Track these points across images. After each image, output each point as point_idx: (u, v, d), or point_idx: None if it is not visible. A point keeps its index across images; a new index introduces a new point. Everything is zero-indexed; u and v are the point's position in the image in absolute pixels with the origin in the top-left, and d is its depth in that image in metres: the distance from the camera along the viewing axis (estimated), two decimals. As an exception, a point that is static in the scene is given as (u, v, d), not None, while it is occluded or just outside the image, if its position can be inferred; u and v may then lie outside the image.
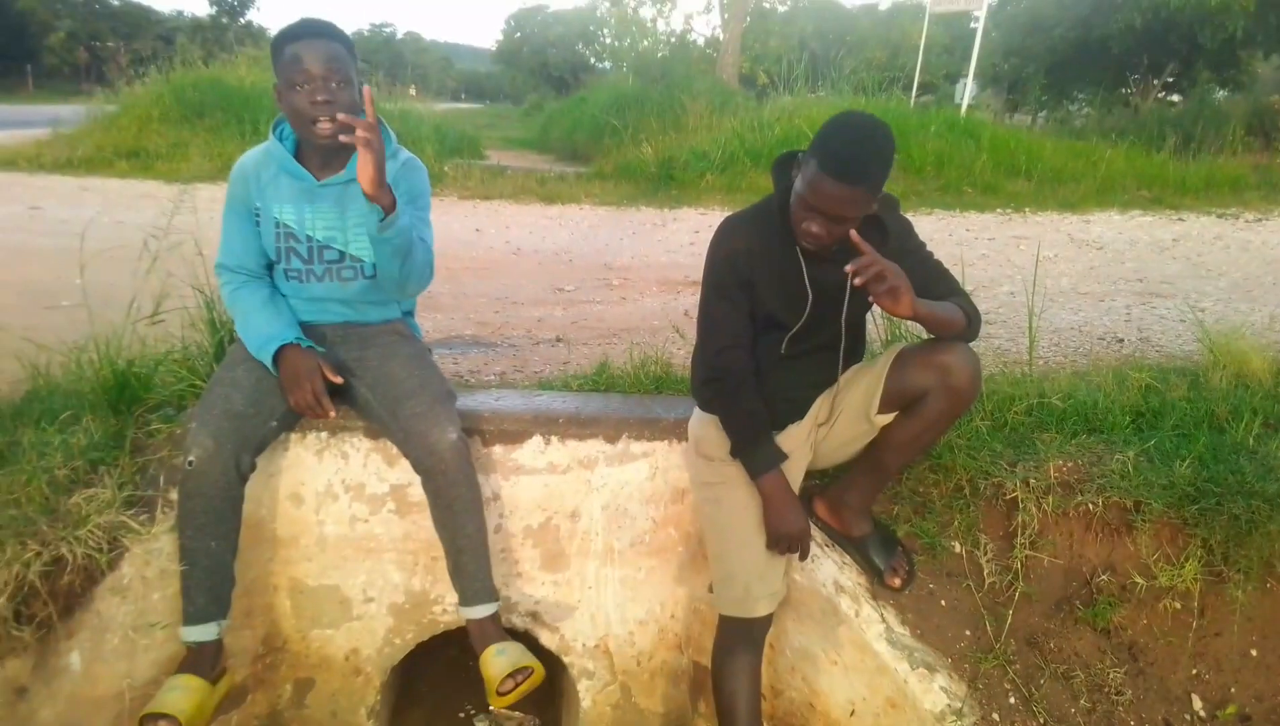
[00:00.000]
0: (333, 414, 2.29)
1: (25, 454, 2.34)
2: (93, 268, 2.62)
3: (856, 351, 2.30)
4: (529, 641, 2.77)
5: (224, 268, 2.36)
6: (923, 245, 2.20)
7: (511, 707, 3.10)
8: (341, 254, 2.34)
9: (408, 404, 2.28)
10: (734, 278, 2.08)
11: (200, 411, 2.20)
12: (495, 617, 2.39)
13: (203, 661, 2.21)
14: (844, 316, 2.17)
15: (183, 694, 2.11)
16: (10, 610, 2.14)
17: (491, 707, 2.31)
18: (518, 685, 2.26)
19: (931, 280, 2.13)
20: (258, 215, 2.32)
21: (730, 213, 2.21)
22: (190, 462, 2.13)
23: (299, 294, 2.39)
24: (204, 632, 2.22)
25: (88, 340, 2.61)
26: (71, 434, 2.41)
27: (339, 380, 2.28)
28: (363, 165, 1.99)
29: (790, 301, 2.09)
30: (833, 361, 2.26)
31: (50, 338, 2.77)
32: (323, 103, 2.13)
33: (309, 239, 2.32)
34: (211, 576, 2.22)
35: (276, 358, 2.24)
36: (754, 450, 2.14)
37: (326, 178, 2.29)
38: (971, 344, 2.13)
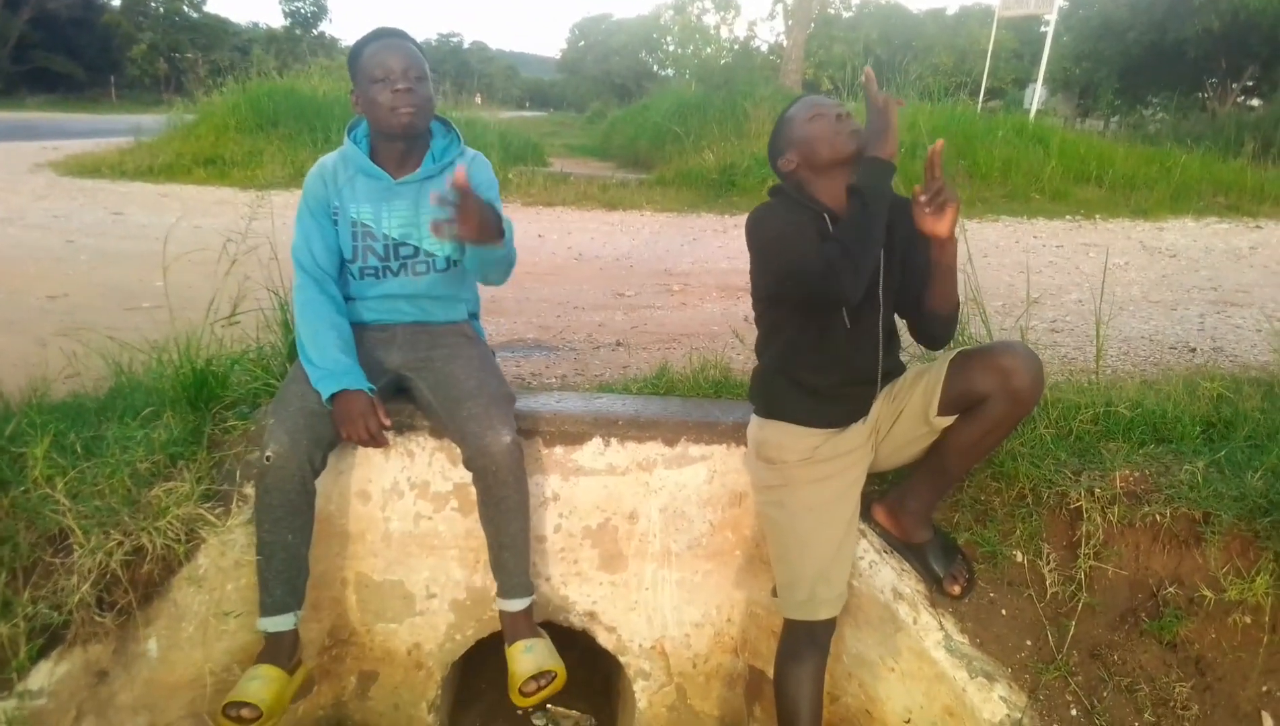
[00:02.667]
0: (387, 443, 2.39)
1: (109, 447, 2.44)
2: (173, 271, 2.74)
3: (894, 332, 2.33)
4: (586, 640, 2.81)
5: (299, 264, 2.44)
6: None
7: (568, 706, 3.16)
8: (416, 250, 2.45)
9: (465, 405, 2.33)
10: (792, 224, 2.11)
11: (277, 408, 2.29)
12: (529, 611, 2.44)
13: (280, 651, 2.29)
14: (880, 288, 2.18)
15: (263, 683, 2.19)
16: (93, 596, 2.24)
17: (517, 704, 2.35)
18: (540, 688, 2.31)
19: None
20: (335, 215, 2.42)
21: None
22: (268, 458, 2.21)
23: (371, 291, 2.48)
24: (281, 623, 2.29)
25: (168, 340, 2.72)
26: (152, 429, 2.50)
27: (389, 423, 2.33)
28: (465, 232, 2.12)
29: None
30: (882, 349, 2.26)
31: (133, 337, 2.89)
32: (403, 91, 2.29)
33: (385, 237, 2.42)
34: (288, 568, 2.29)
35: (332, 395, 2.30)
36: (875, 173, 2.03)
37: (402, 176, 2.42)
38: (1036, 351, 2.12)
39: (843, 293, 2.00)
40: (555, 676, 2.33)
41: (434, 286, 2.50)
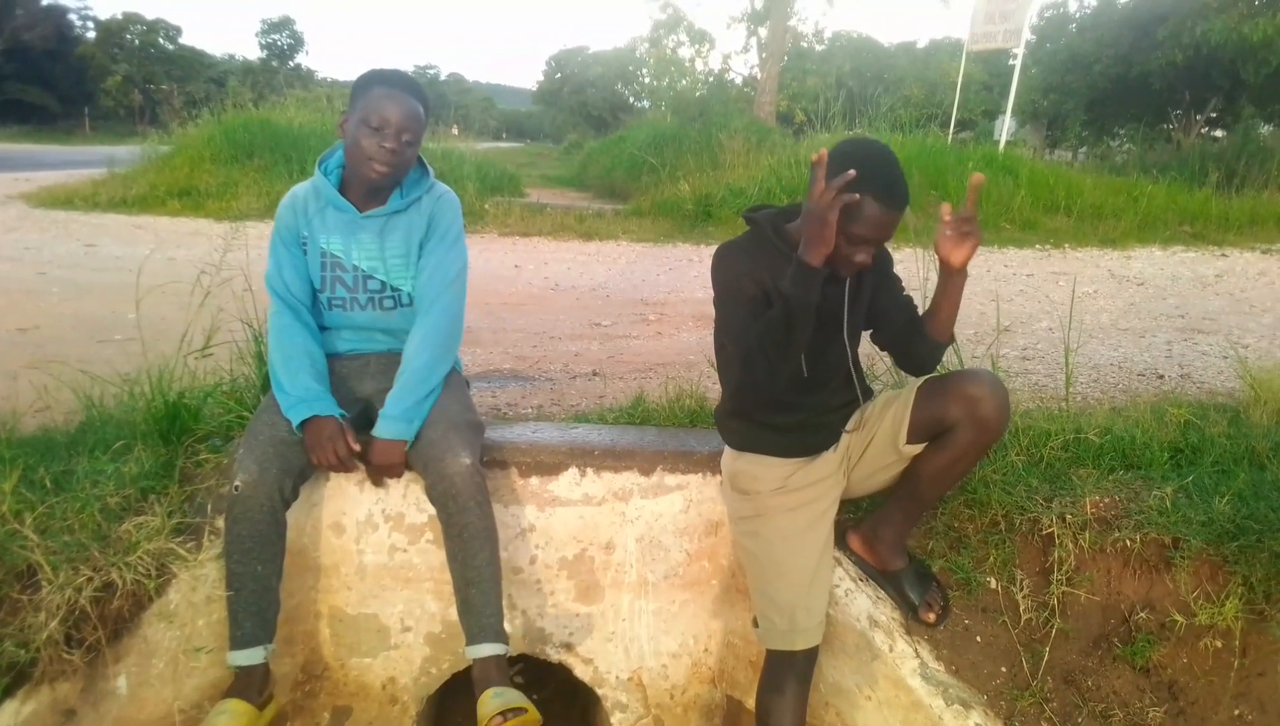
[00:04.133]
0: (355, 468, 2.38)
1: (79, 482, 2.41)
2: (146, 302, 2.73)
3: (857, 366, 2.31)
4: (563, 673, 2.79)
5: (273, 292, 2.43)
6: (899, 278, 2.31)
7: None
8: (383, 283, 2.45)
9: (426, 432, 2.33)
10: (747, 277, 2.04)
11: (247, 438, 2.28)
12: (501, 660, 2.31)
13: (250, 686, 2.25)
14: (844, 331, 2.18)
15: (230, 718, 2.15)
16: (61, 633, 2.20)
17: None
18: (506, 721, 2.15)
19: (904, 311, 2.27)
20: (304, 244, 2.43)
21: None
22: (237, 487, 2.19)
23: (345, 323, 2.49)
24: (251, 656, 2.25)
25: (140, 372, 2.70)
26: (123, 463, 2.48)
27: (357, 448, 2.31)
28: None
29: None
30: (849, 381, 2.28)
31: (104, 369, 2.87)
32: (389, 151, 2.29)
33: (355, 268, 2.43)
34: (258, 600, 2.26)
35: (303, 422, 2.29)
36: (802, 282, 1.90)
37: (369, 210, 2.42)
38: (1007, 379, 2.14)
39: (757, 385, 2.05)
40: (525, 712, 2.18)
41: (404, 320, 2.49)
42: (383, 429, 2.33)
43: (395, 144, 2.28)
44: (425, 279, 2.45)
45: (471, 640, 2.32)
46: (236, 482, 2.19)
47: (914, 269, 2.38)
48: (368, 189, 2.40)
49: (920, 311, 2.28)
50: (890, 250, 2.29)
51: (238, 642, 2.26)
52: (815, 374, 2.17)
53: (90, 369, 2.85)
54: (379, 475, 2.42)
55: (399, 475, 2.40)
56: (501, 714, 2.16)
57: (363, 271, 2.43)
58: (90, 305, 4.81)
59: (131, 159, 11.07)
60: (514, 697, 2.22)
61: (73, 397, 2.81)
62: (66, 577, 2.21)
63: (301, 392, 2.30)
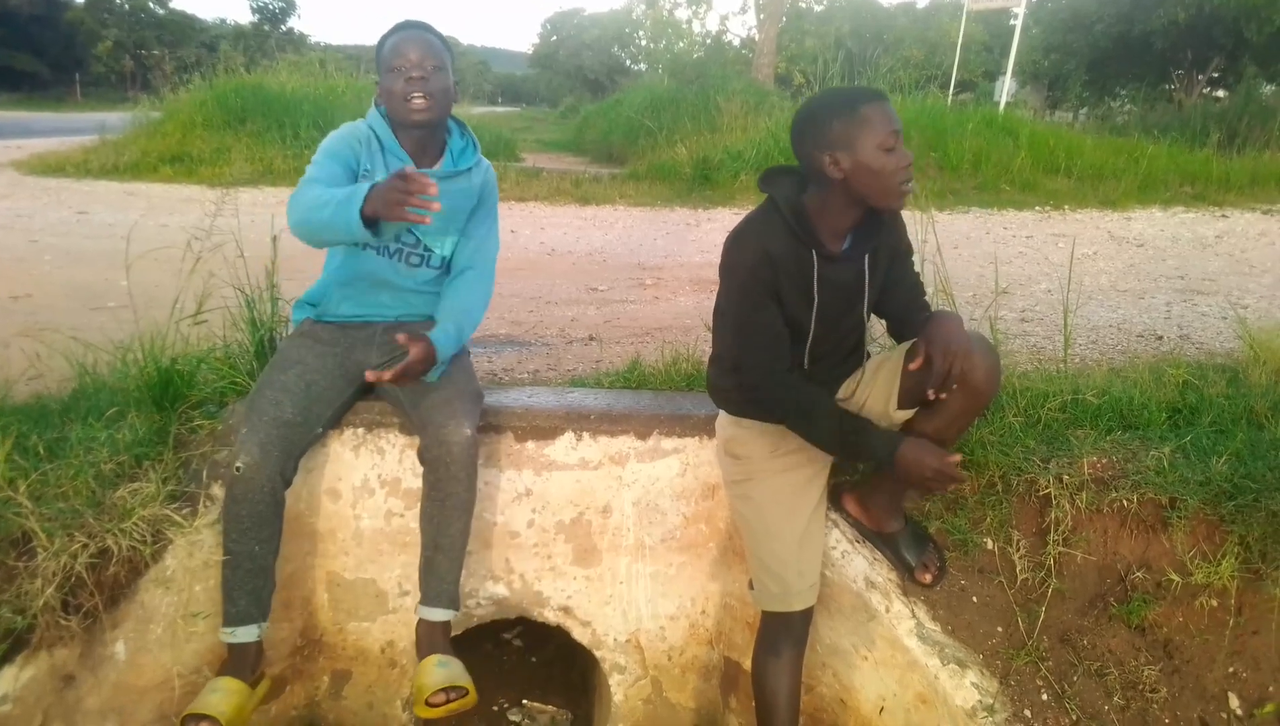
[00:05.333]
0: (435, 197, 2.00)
1: (73, 449, 2.40)
2: (138, 269, 2.70)
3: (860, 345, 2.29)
4: (561, 636, 2.80)
5: (308, 180, 2.26)
6: (912, 251, 2.27)
7: (544, 701, 3.15)
8: (417, 240, 2.44)
9: (430, 396, 2.32)
10: (763, 285, 2.01)
11: (250, 416, 2.24)
12: (447, 627, 2.38)
13: (243, 663, 2.25)
14: (864, 304, 2.16)
15: (223, 696, 2.15)
16: (58, 600, 2.20)
17: (419, 715, 2.23)
18: (449, 700, 2.19)
19: (910, 291, 2.25)
20: (363, 179, 2.31)
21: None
22: (239, 468, 2.17)
23: (364, 272, 2.43)
24: (245, 634, 2.26)
25: (133, 339, 2.68)
26: (117, 430, 2.47)
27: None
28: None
29: (805, 304, 2.06)
30: (855, 350, 2.26)
31: (97, 337, 2.85)
32: (417, 79, 2.26)
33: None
34: (254, 579, 2.26)
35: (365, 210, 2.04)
36: (866, 445, 2.04)
37: (423, 166, 2.39)
38: (1005, 341, 2.12)
39: (750, 405, 2.16)
40: (466, 693, 2.22)
41: (421, 281, 2.48)
42: (436, 335, 2.29)
43: (422, 72, 2.26)
44: (474, 248, 2.51)
45: (426, 601, 2.36)
46: (238, 464, 2.17)
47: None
48: (417, 141, 2.39)
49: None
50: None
51: (232, 619, 2.25)
52: (826, 347, 2.16)
53: (83, 336, 2.83)
54: (406, 371, 2.20)
55: (415, 375, 2.25)
56: (444, 690, 2.20)
57: (404, 225, 2.36)
58: (83, 272, 4.77)
59: (123, 125, 10.93)
60: (457, 673, 2.25)
61: (66, 365, 2.79)
62: (62, 544, 2.20)
63: (343, 195, 2.08)
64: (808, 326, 2.09)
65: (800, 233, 2.00)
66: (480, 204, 2.52)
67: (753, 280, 2.01)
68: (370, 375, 2.20)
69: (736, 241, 2.06)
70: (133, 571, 2.34)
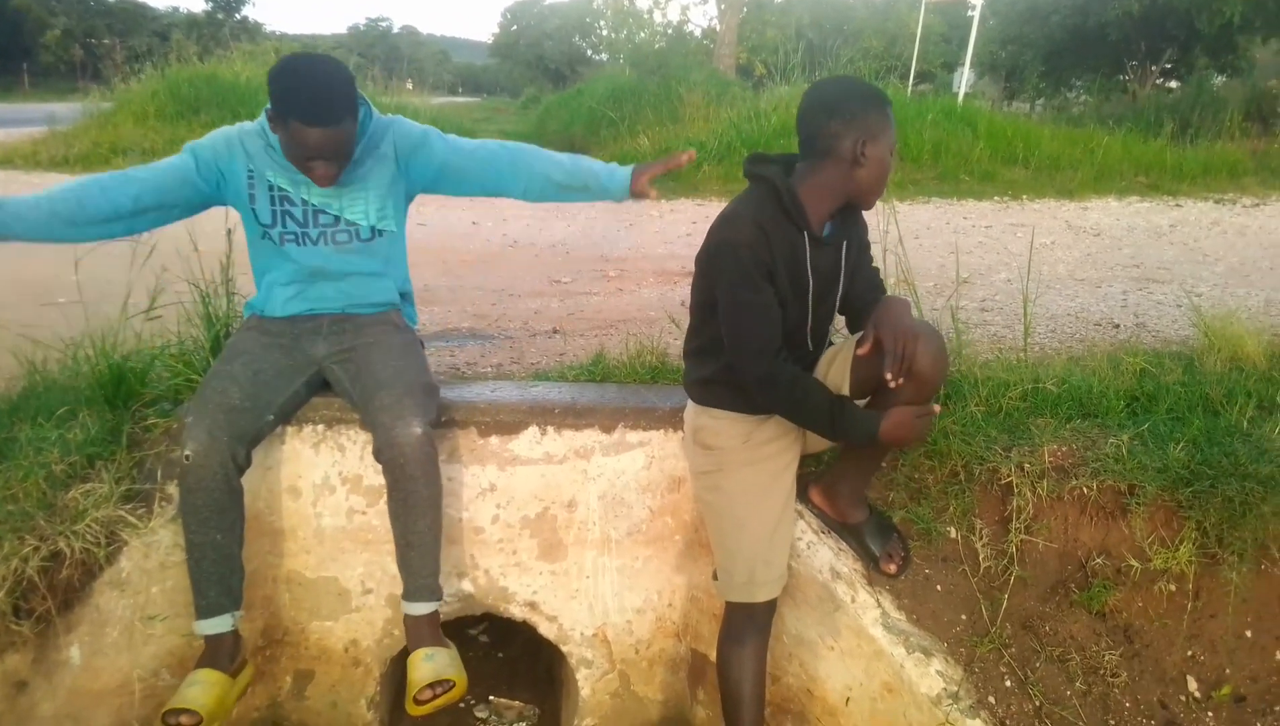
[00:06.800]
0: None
1: (22, 449, 2.35)
2: (88, 264, 2.63)
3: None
4: (528, 631, 2.79)
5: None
6: (870, 246, 2.32)
7: (511, 697, 3.14)
8: (336, 218, 2.37)
9: (379, 395, 2.28)
10: (760, 265, 2.00)
11: (196, 405, 2.21)
12: (434, 618, 2.36)
13: (221, 654, 2.21)
14: (836, 298, 2.19)
15: (202, 688, 2.11)
16: (9, 605, 2.16)
17: (411, 713, 2.26)
18: (436, 696, 2.22)
19: (868, 283, 2.29)
20: (251, 177, 2.32)
21: (724, 207, 2.17)
22: (187, 457, 2.13)
23: (294, 259, 2.39)
24: (218, 625, 2.22)
25: (84, 336, 2.62)
26: (68, 429, 2.41)
27: None
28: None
29: (797, 288, 2.07)
30: (822, 341, 2.27)
31: (47, 333, 2.78)
32: (320, 175, 2.22)
33: (304, 202, 2.34)
34: (219, 568, 2.22)
35: None
36: (852, 425, 2.05)
37: None
38: (966, 330, 2.13)
39: (738, 390, 2.15)
40: (453, 686, 2.25)
41: (359, 259, 2.43)
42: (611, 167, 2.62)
43: (324, 168, 2.20)
44: (481, 166, 2.58)
45: (407, 596, 2.35)
46: (187, 452, 2.13)
47: (873, 222, 2.36)
48: None
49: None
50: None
51: (203, 611, 2.21)
52: (799, 339, 2.17)
53: (32, 333, 2.76)
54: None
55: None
56: (431, 685, 2.21)
57: (313, 206, 2.35)
58: (32, 266, 4.64)
59: (73, 116, 10.69)
60: (444, 665, 2.26)
61: (14, 362, 2.72)
62: (12, 548, 2.16)
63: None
64: (804, 311, 2.11)
65: (794, 213, 2.01)
66: (420, 144, 2.45)
67: (751, 257, 1.99)
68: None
69: (729, 221, 2.06)
70: (86, 574, 2.29)
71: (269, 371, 2.33)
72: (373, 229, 2.42)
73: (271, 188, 2.33)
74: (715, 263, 2.06)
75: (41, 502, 2.26)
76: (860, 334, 2.11)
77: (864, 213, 2.21)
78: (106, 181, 2.29)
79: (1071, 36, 19.67)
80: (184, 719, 2.05)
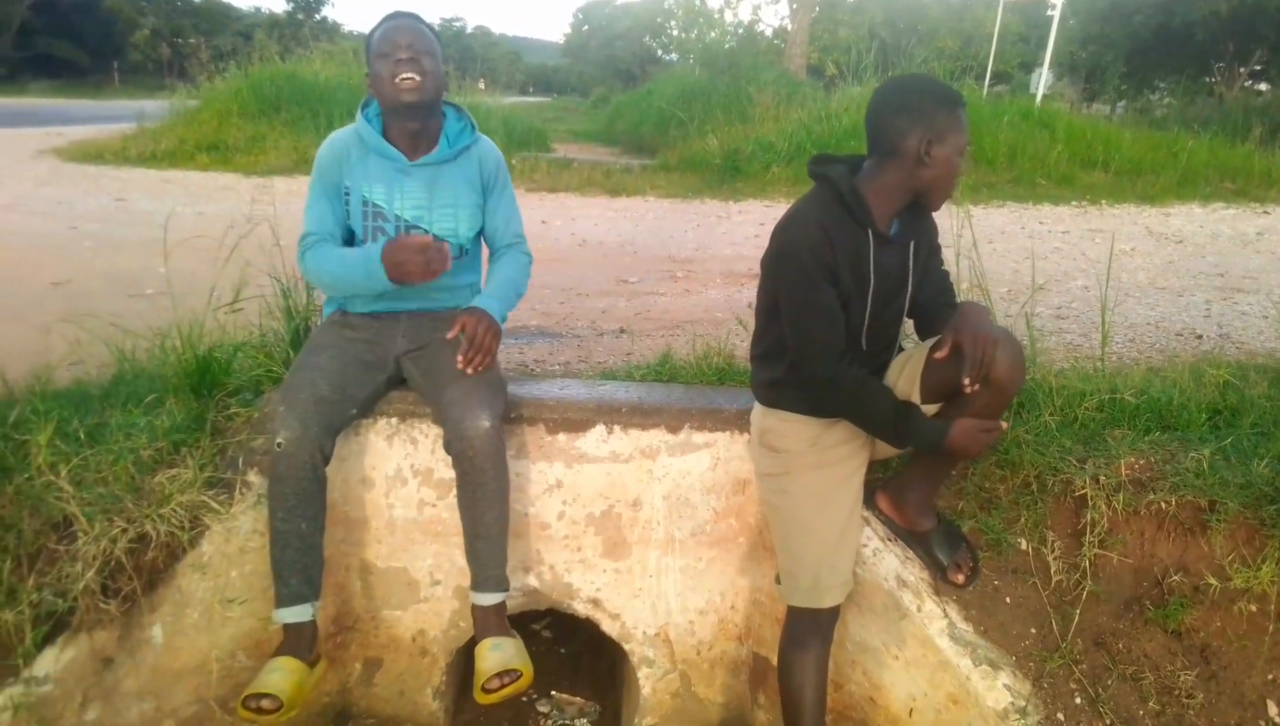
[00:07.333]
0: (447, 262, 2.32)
1: (113, 435, 2.44)
2: (176, 257, 2.73)
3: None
4: (590, 628, 2.81)
5: (308, 230, 2.43)
6: (940, 248, 2.30)
7: (573, 693, 3.16)
8: (425, 232, 2.44)
9: (450, 388, 2.33)
10: (822, 266, 2.00)
11: (286, 395, 2.27)
12: (500, 608, 2.40)
13: (300, 643, 2.26)
14: (907, 294, 2.17)
15: (282, 675, 2.16)
16: (98, 584, 2.25)
17: (479, 701, 2.29)
18: (504, 685, 2.25)
19: (939, 287, 2.26)
20: (347, 193, 2.42)
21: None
22: (280, 444, 2.19)
23: None
24: (299, 614, 2.26)
25: (171, 326, 2.71)
26: (156, 416, 2.51)
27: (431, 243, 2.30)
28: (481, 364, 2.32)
29: (860, 287, 2.06)
30: (893, 343, 2.25)
31: (136, 324, 2.89)
32: (405, 60, 2.30)
33: (398, 217, 2.43)
34: (303, 557, 2.26)
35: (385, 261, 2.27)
36: (916, 432, 2.05)
37: (417, 158, 2.43)
38: (1040, 337, 2.10)
39: (802, 392, 2.16)
40: (520, 676, 2.27)
41: (443, 274, 2.49)
42: (482, 301, 2.39)
43: (410, 53, 2.30)
44: (500, 227, 2.60)
45: (475, 586, 2.39)
46: (279, 439, 2.18)
47: (946, 225, 2.33)
48: (411, 134, 2.42)
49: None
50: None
51: (284, 600, 2.26)
52: (872, 341, 2.15)
53: (122, 323, 2.88)
54: (474, 346, 2.31)
55: (488, 343, 2.33)
56: (499, 675, 2.24)
57: (406, 221, 2.43)
58: (121, 259, 4.84)
59: (160, 113, 11.08)
60: (511, 655, 2.29)
61: (105, 351, 2.83)
62: (102, 529, 2.25)
63: (360, 254, 2.33)
64: (862, 311, 2.09)
65: (857, 211, 2.01)
66: (492, 184, 2.56)
67: (813, 260, 2.00)
68: (460, 362, 2.29)
69: (791, 223, 2.07)
70: (170, 556, 2.38)
71: (354, 366, 2.40)
72: (460, 247, 2.52)
73: (365, 203, 2.42)
74: (778, 265, 2.07)
75: (130, 486, 2.35)
76: (935, 339, 2.08)
77: (935, 215, 2.19)
78: (332, 250, 2.42)
79: (1155, 36, 19.14)
80: (265, 703, 2.10)
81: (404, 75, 2.28)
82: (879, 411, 2.05)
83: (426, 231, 2.43)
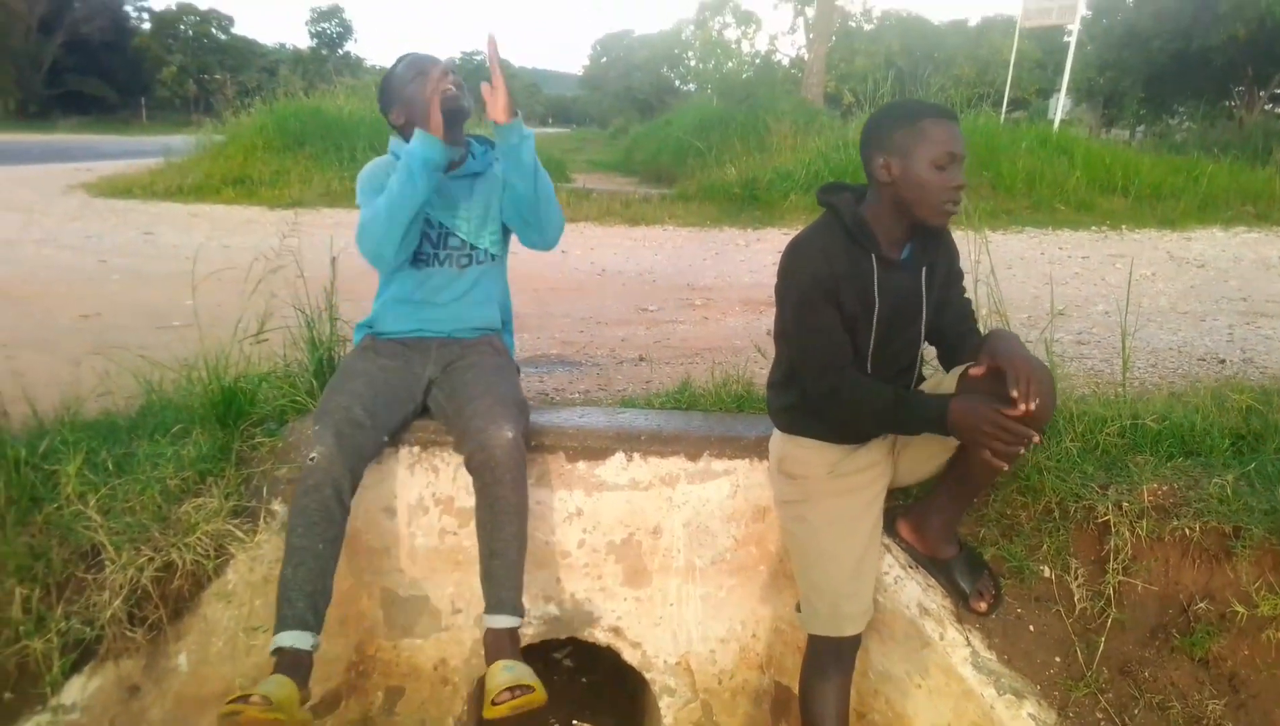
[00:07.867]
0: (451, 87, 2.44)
1: (140, 464, 2.48)
2: (202, 289, 2.78)
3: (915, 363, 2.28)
4: (611, 656, 2.81)
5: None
6: (963, 275, 2.29)
7: (594, 722, 3.15)
8: (462, 241, 2.59)
9: (471, 404, 2.37)
10: (823, 291, 2.02)
11: (321, 415, 2.31)
12: (514, 635, 2.35)
13: (299, 669, 2.15)
14: (921, 319, 2.16)
15: (276, 686, 2.07)
16: (125, 612, 2.27)
17: (488, 715, 2.19)
18: (514, 697, 2.15)
19: (960, 314, 2.26)
20: None
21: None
22: (312, 458, 2.21)
23: (420, 286, 2.59)
24: (299, 639, 2.17)
25: (197, 358, 2.75)
26: (182, 446, 2.54)
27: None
28: (494, 102, 2.37)
29: (865, 310, 2.07)
30: (910, 368, 2.25)
31: (163, 356, 2.94)
32: (442, 74, 2.43)
33: (440, 225, 2.57)
34: (314, 581, 2.22)
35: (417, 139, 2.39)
36: (916, 410, 2.03)
37: (451, 172, 2.58)
38: (1061, 363, 2.09)
39: (809, 412, 2.17)
40: (532, 691, 2.17)
41: (473, 283, 2.59)
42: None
43: (442, 70, 2.44)
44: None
45: (489, 609, 2.36)
46: (313, 454, 2.21)
47: (964, 251, 2.34)
48: (449, 142, 2.47)
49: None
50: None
51: (288, 622, 2.17)
52: (882, 365, 2.15)
53: (150, 354, 2.92)
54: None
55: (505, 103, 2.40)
56: (510, 689, 2.17)
57: (445, 228, 2.57)
58: (149, 292, 4.92)
59: (187, 148, 11.27)
60: (523, 673, 2.23)
61: (133, 383, 2.88)
62: (129, 558, 2.27)
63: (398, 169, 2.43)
64: (868, 333, 2.09)
65: (859, 236, 2.03)
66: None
67: (813, 285, 2.03)
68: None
69: (796, 250, 2.10)
70: (196, 585, 2.40)
71: (386, 394, 2.44)
72: (488, 252, 2.64)
73: None
74: (781, 286, 2.12)
75: (156, 515, 2.38)
76: (968, 365, 2.06)
77: (954, 241, 2.20)
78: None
79: (1173, 61, 19.12)
80: (254, 698, 1.98)
81: (446, 85, 2.41)
82: (881, 406, 2.04)
83: (463, 240, 2.60)
